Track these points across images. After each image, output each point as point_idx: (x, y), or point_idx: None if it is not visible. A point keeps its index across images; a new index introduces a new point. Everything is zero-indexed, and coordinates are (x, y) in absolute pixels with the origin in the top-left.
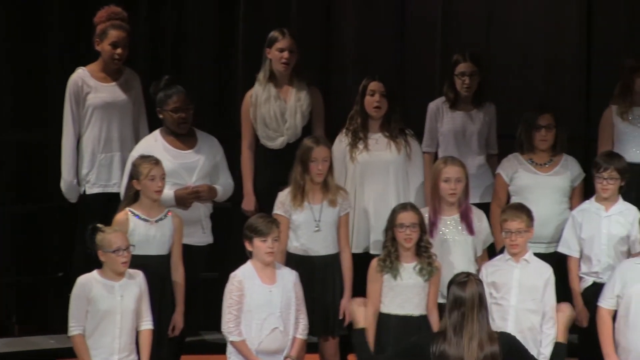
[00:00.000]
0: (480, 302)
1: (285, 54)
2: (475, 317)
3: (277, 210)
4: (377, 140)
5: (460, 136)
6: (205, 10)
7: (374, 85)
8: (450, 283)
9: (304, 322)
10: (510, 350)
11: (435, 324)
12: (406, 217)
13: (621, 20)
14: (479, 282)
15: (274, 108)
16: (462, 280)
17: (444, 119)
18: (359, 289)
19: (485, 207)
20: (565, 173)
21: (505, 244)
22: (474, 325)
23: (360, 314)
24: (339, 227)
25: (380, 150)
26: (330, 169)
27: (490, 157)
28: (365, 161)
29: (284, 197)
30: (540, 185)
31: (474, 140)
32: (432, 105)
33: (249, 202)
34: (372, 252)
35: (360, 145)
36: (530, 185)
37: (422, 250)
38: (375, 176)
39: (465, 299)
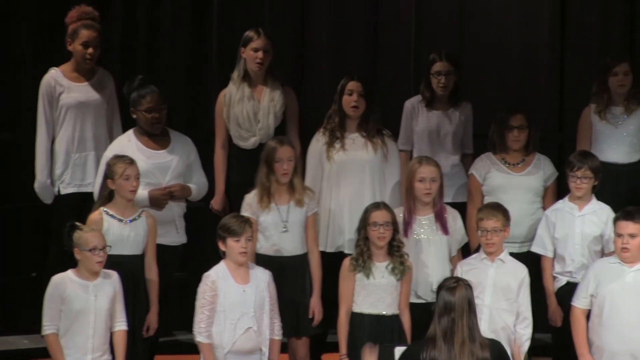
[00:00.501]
0: (470, 307)
1: (260, 54)
2: (465, 323)
3: (245, 212)
4: (354, 140)
5: (434, 136)
6: (179, 10)
7: (352, 85)
8: (440, 288)
9: (279, 323)
10: (499, 358)
11: (407, 323)
12: (379, 216)
13: (595, 20)
14: (469, 287)
15: (247, 108)
16: (451, 285)
17: (419, 118)
18: (334, 289)
19: (458, 206)
20: (538, 173)
21: (481, 243)
22: (464, 331)
23: None
24: (306, 227)
25: (357, 150)
26: (296, 169)
27: (466, 157)
28: (342, 160)
29: (250, 199)
30: (513, 185)
31: (448, 140)
32: (407, 104)
33: (218, 201)
34: (346, 251)
35: (337, 145)
36: (503, 185)
37: (395, 250)
38: (351, 176)
39: (454, 304)
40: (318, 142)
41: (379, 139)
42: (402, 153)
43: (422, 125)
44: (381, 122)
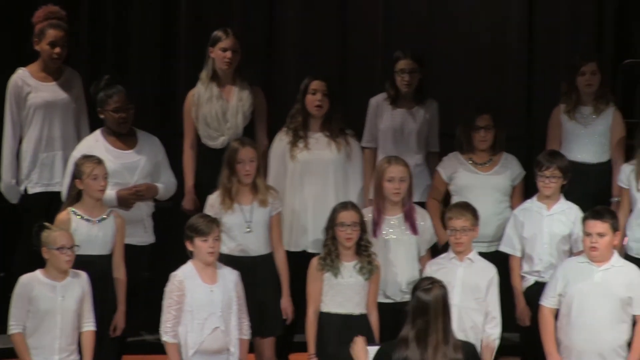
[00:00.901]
0: (444, 309)
1: (228, 54)
2: (439, 325)
3: (208, 213)
4: (318, 140)
5: (398, 134)
6: (147, 9)
7: (316, 84)
8: (415, 289)
9: (247, 322)
10: None
11: (375, 323)
12: (347, 216)
13: (562, 19)
14: (444, 289)
15: (216, 107)
16: (426, 286)
17: (384, 116)
18: (297, 288)
19: (423, 206)
20: (505, 172)
21: (450, 243)
22: (438, 333)
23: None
24: (271, 227)
25: (321, 149)
26: (259, 169)
27: (431, 155)
28: (306, 160)
29: (213, 199)
30: (481, 184)
31: (412, 138)
32: (372, 101)
33: (189, 201)
34: (310, 250)
35: (301, 144)
36: (470, 185)
37: (362, 249)
38: (315, 175)
39: (429, 306)
40: (281, 141)
41: (342, 138)
42: (367, 151)
43: (386, 123)
44: (344, 122)
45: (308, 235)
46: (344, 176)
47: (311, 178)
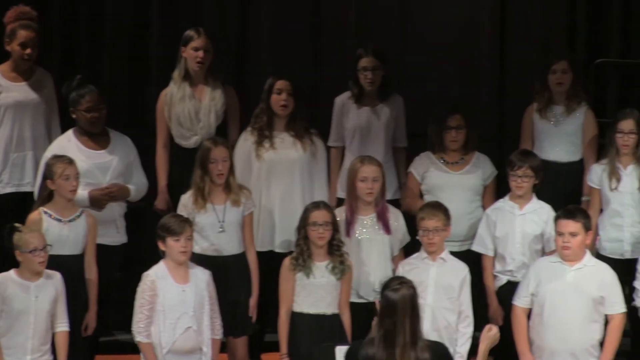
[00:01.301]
0: (413, 310)
1: (201, 54)
2: (407, 325)
3: (180, 213)
4: (283, 139)
5: (365, 132)
6: (119, 9)
7: (281, 83)
8: (384, 288)
9: (219, 322)
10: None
11: (347, 322)
12: (319, 216)
13: (535, 19)
14: (412, 289)
15: (189, 107)
16: (395, 286)
17: (350, 115)
18: (265, 288)
19: (392, 203)
20: (477, 171)
21: (422, 243)
22: (405, 334)
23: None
24: (244, 227)
25: (286, 148)
26: (232, 169)
27: (399, 150)
28: (272, 159)
29: (186, 199)
30: (452, 184)
31: (379, 137)
32: (337, 101)
33: (162, 201)
34: (277, 250)
35: (267, 144)
36: (442, 184)
37: (335, 249)
38: (281, 175)
39: (397, 306)
40: (246, 141)
41: (307, 137)
42: (334, 150)
43: (352, 122)
44: (308, 121)
45: (275, 235)
46: (310, 175)
47: (278, 178)
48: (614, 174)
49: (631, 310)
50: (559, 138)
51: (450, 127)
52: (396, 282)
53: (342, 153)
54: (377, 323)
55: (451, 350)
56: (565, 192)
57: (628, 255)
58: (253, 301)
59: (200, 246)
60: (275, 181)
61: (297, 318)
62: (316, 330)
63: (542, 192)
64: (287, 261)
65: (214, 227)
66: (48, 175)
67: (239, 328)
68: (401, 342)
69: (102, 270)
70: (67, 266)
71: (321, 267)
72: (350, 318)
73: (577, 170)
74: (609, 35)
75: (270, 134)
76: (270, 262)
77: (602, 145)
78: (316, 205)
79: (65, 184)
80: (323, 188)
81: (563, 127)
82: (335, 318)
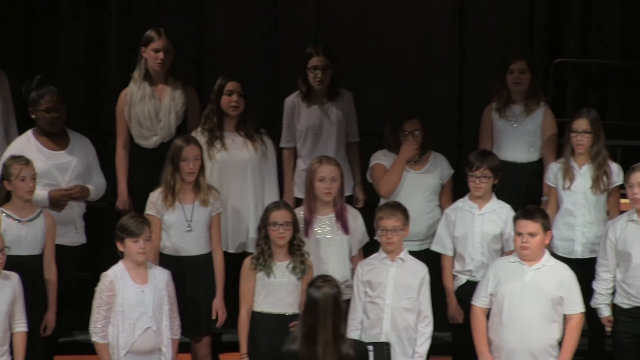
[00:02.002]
0: (335, 308)
1: (161, 55)
2: (328, 323)
3: (149, 210)
4: (234, 140)
5: (317, 131)
6: (77, 9)
7: (231, 85)
8: (308, 286)
9: (177, 322)
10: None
11: None
12: (279, 216)
13: (494, 18)
14: (336, 287)
15: (149, 107)
16: (318, 284)
17: (301, 115)
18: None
19: (349, 200)
20: (435, 171)
21: (381, 242)
22: (327, 332)
23: None
24: (211, 227)
25: (238, 149)
26: (202, 168)
27: (351, 146)
28: (224, 160)
29: (155, 197)
30: (410, 183)
31: (331, 135)
32: (287, 101)
33: (122, 201)
34: (230, 250)
35: (218, 144)
36: (400, 183)
37: (295, 249)
38: (233, 175)
39: (319, 304)
40: None
41: (258, 137)
42: (286, 151)
43: (304, 122)
44: (257, 121)
45: (228, 235)
46: (261, 175)
47: (230, 178)
48: (568, 173)
49: (589, 310)
50: (518, 138)
51: (407, 131)
52: (320, 280)
53: (295, 153)
54: (300, 320)
55: (410, 351)
56: (525, 192)
57: (578, 255)
58: (217, 302)
59: (167, 245)
60: (228, 182)
61: (257, 318)
62: (276, 330)
63: (501, 192)
64: (247, 261)
65: (182, 226)
66: (5, 176)
67: (203, 328)
68: (322, 340)
69: (61, 271)
70: (26, 266)
71: (282, 266)
72: None
73: (536, 170)
74: (568, 35)
75: (221, 134)
76: (225, 261)
77: (562, 145)
78: (276, 205)
79: (22, 184)
80: (273, 188)
81: (522, 127)
82: (295, 318)
